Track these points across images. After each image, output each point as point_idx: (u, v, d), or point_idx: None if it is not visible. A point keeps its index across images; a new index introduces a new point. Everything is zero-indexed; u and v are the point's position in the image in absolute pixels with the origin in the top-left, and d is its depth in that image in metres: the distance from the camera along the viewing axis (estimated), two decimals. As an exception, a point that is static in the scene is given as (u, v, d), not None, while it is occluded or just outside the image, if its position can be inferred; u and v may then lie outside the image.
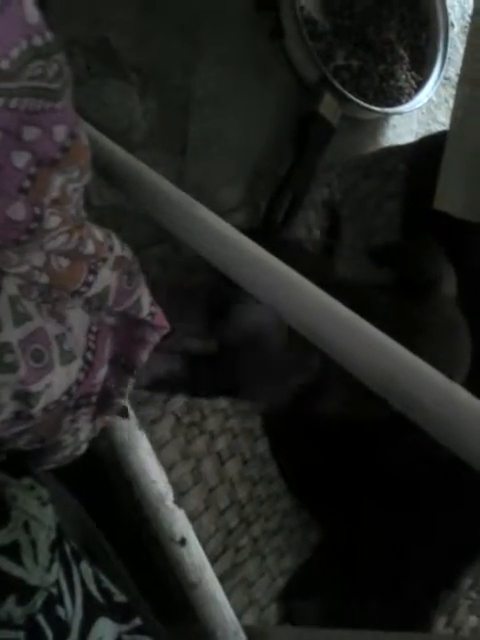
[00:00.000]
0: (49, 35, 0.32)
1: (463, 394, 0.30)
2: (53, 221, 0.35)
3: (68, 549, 0.40)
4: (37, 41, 0.31)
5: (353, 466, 0.96)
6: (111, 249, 0.41)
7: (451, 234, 1.01)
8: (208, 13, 0.97)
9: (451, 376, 0.51)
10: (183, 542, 0.47)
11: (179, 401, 0.90)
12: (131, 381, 0.46)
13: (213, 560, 0.89)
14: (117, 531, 0.53)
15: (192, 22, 0.95)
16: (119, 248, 0.42)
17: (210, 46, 0.97)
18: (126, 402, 0.49)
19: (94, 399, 0.42)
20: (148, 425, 0.85)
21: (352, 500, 0.98)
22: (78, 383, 0.37)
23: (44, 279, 0.37)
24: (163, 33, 0.92)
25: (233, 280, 0.37)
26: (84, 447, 0.46)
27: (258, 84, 1.02)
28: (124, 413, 0.48)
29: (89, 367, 0.39)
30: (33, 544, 0.36)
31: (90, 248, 0.39)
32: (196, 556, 0.49)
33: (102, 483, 0.59)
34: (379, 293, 0.80)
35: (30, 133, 0.32)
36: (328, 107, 1.01)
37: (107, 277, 0.40)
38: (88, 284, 0.40)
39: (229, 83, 0.98)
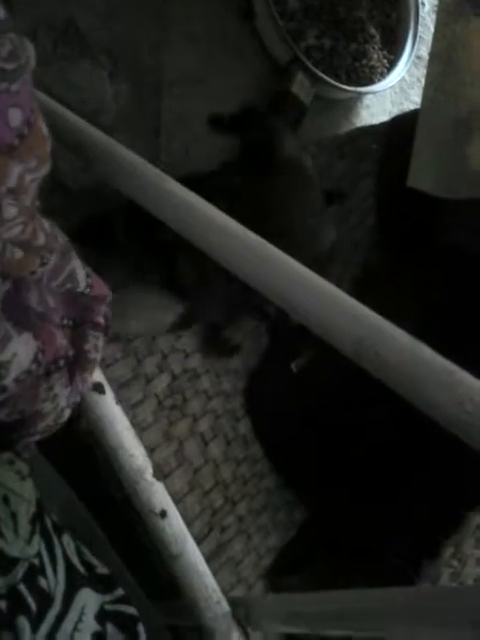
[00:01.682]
0: (2, 12, 0.31)
1: (428, 351, 0.30)
2: (9, 212, 0.35)
3: (49, 523, 0.40)
4: None
5: (334, 442, 0.97)
6: (56, 239, 0.41)
7: (425, 211, 1.02)
8: (177, -8, 0.96)
9: (314, 223, 0.53)
10: (163, 514, 0.48)
11: (161, 384, 0.90)
12: (101, 337, 0.47)
13: (199, 540, 0.89)
14: (104, 507, 0.54)
15: (162, 2, 0.94)
16: (61, 236, 0.42)
17: (181, 27, 0.96)
18: (102, 377, 0.50)
19: (62, 363, 0.42)
20: (130, 408, 0.85)
21: (334, 476, 0.99)
22: (41, 351, 0.38)
23: None
24: (131, 14, 0.91)
25: (202, 249, 0.37)
26: (67, 413, 0.46)
27: (230, 64, 1.02)
28: (100, 388, 0.48)
29: (45, 334, 0.39)
30: (13, 517, 0.36)
31: (41, 240, 0.39)
32: (177, 528, 0.49)
33: (87, 460, 0.59)
34: (230, 175, 0.79)
35: None
36: (300, 87, 1.01)
37: (52, 265, 0.41)
38: (34, 273, 0.40)
39: (201, 63, 0.98)
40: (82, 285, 0.45)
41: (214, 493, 0.94)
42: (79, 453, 0.56)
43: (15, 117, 0.32)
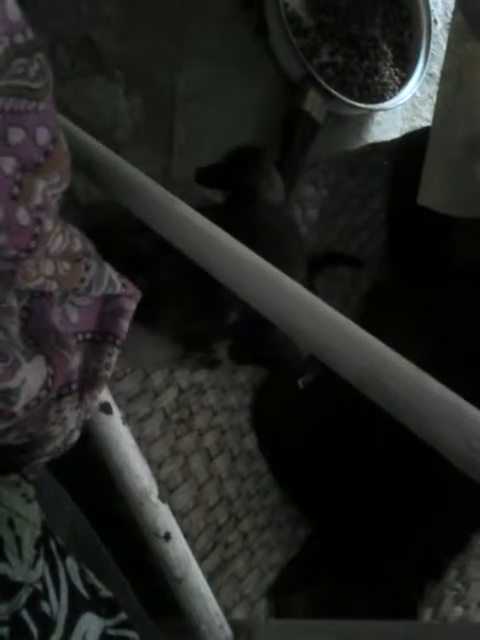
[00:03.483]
0: (30, 33, 0.32)
1: (435, 385, 0.30)
2: (48, 224, 0.35)
3: (53, 545, 0.40)
4: (19, 39, 0.31)
5: (339, 460, 0.97)
6: (88, 242, 0.42)
7: (435, 229, 1.02)
8: (192, 10, 0.97)
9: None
10: (168, 537, 0.48)
11: (168, 398, 0.90)
12: (115, 352, 0.47)
13: (203, 556, 0.89)
14: (110, 525, 0.54)
15: (176, 19, 0.95)
16: (88, 242, 0.43)
17: (195, 43, 0.97)
18: (110, 397, 0.50)
19: (75, 386, 0.42)
20: (137, 422, 0.85)
21: (339, 494, 0.99)
22: (52, 377, 0.38)
23: (54, 287, 0.38)
24: (148, 30, 0.92)
25: (206, 269, 0.38)
26: (76, 435, 0.46)
27: (243, 81, 1.03)
28: (107, 408, 0.48)
29: (58, 359, 0.39)
30: (17, 541, 0.36)
31: (78, 245, 0.40)
32: (181, 551, 0.49)
33: (94, 479, 0.59)
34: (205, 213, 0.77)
35: (15, 135, 0.32)
36: (313, 104, 1.02)
37: (94, 270, 0.42)
38: (83, 280, 0.41)
39: (214, 80, 0.98)
40: (119, 286, 0.46)
41: (218, 509, 0.94)
42: (86, 470, 0.56)
43: (42, 136, 0.33)
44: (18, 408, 0.35)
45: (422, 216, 1.00)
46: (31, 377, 0.35)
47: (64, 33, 0.85)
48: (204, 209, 0.70)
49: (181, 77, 0.95)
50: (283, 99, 1.06)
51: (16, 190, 0.33)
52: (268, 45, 1.06)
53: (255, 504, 0.99)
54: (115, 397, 0.79)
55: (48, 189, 0.35)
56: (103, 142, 0.76)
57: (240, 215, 0.71)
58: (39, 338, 0.40)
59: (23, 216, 0.33)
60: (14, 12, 0.30)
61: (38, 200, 0.34)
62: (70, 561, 0.41)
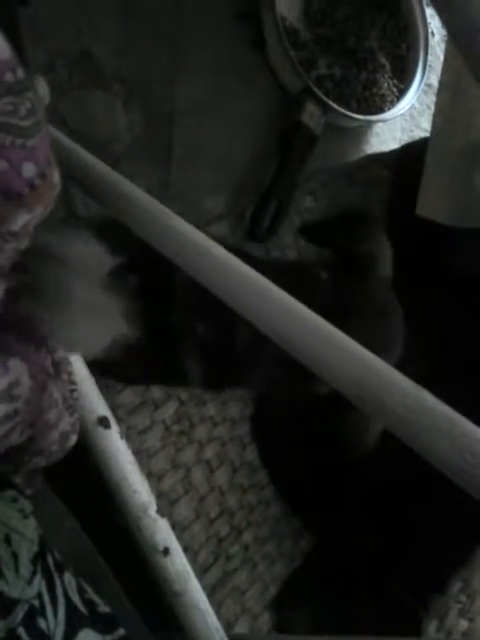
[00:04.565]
0: (21, 72, 0.32)
1: (430, 399, 0.30)
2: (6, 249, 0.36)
3: (51, 560, 0.40)
4: (8, 77, 0.32)
5: (342, 471, 0.96)
6: None
7: (436, 239, 1.02)
8: (190, 23, 0.98)
9: (383, 358, 0.52)
10: (166, 552, 0.47)
11: (168, 410, 0.90)
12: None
13: (204, 569, 0.89)
14: (108, 539, 0.53)
15: (174, 33, 0.96)
16: None
17: (193, 56, 0.98)
18: (108, 411, 0.50)
19: (51, 369, 0.43)
20: (137, 434, 0.85)
21: (342, 505, 0.98)
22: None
23: None
24: (146, 44, 0.93)
25: (208, 289, 0.38)
26: (73, 439, 0.46)
27: (241, 94, 1.03)
28: (105, 422, 0.48)
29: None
30: (14, 557, 0.36)
31: None
32: (179, 565, 0.49)
33: (93, 493, 0.59)
34: (318, 271, 0.76)
35: None
36: (311, 116, 1.02)
37: None
38: None
39: (212, 93, 0.99)
40: None
41: (220, 521, 0.94)
42: (85, 484, 0.56)
43: (28, 170, 0.33)
44: (20, 403, 0.35)
45: (421, 226, 1.00)
46: (5, 379, 0.35)
47: (63, 47, 0.86)
48: (321, 265, 0.68)
49: (179, 90, 0.96)
50: (281, 111, 1.06)
51: None
52: (266, 58, 1.07)
53: (257, 516, 0.99)
54: (115, 409, 0.79)
55: (31, 220, 0.36)
56: (101, 156, 0.76)
57: (351, 285, 0.69)
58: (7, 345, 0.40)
59: None
60: (3, 50, 0.31)
61: (15, 228, 0.35)
62: (68, 576, 0.41)
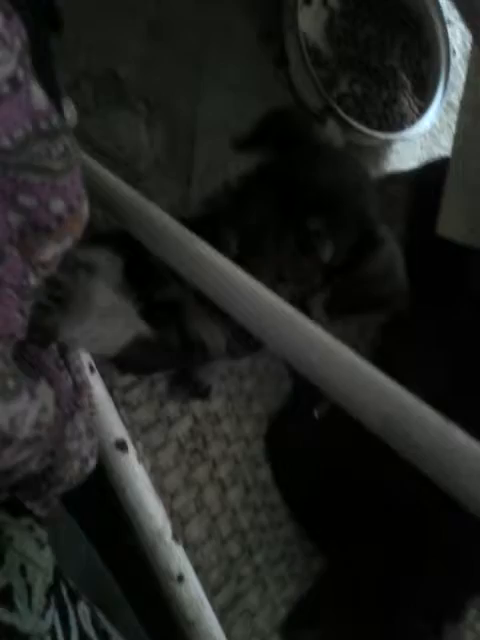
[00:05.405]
0: (56, 119, 0.35)
1: (459, 435, 0.29)
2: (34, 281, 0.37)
3: (65, 590, 0.39)
4: (43, 125, 0.34)
5: (355, 494, 0.95)
6: None
7: (455, 258, 1.01)
8: (213, 43, 0.98)
9: (361, 202, 0.50)
10: (180, 579, 0.46)
11: (183, 427, 0.89)
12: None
13: (215, 591, 0.88)
14: (124, 562, 0.53)
15: (198, 52, 0.97)
16: None
17: (215, 75, 0.98)
18: (125, 433, 0.49)
19: (79, 400, 0.43)
20: (152, 452, 0.84)
21: (355, 528, 0.96)
22: (57, 399, 0.39)
23: None
24: (170, 63, 0.93)
25: (226, 310, 0.37)
26: (92, 464, 0.46)
27: (262, 111, 1.03)
28: (123, 446, 0.47)
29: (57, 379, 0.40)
30: (28, 588, 0.35)
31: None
32: (194, 592, 0.48)
33: (110, 515, 0.58)
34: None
35: (26, 200, 0.34)
36: (331, 134, 1.02)
37: None
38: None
39: (234, 111, 0.99)
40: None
41: (232, 541, 0.93)
42: (102, 506, 0.55)
43: (57, 206, 0.35)
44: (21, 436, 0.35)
45: (440, 245, 0.99)
46: (33, 405, 0.35)
47: (89, 67, 0.86)
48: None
49: (201, 108, 0.96)
50: (302, 129, 1.06)
51: (15, 237, 0.35)
52: (288, 76, 1.07)
53: (269, 537, 0.98)
54: (130, 427, 0.79)
55: (60, 251, 0.38)
56: (124, 173, 0.76)
57: (294, 154, 0.66)
58: (37, 361, 0.40)
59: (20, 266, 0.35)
60: (40, 102, 0.33)
61: (45, 257, 0.37)
62: (82, 606, 0.40)
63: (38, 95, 0.33)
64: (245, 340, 0.56)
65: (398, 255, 0.61)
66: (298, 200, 0.55)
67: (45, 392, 0.38)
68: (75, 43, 0.82)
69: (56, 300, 0.44)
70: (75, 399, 0.43)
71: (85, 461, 0.45)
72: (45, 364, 0.42)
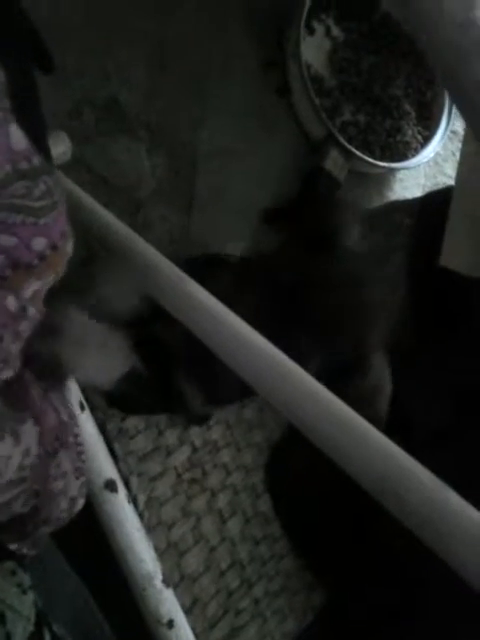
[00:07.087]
0: (37, 159, 0.35)
1: (454, 500, 0.28)
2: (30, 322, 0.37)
3: (48, 638, 0.38)
4: (22, 165, 0.34)
5: (359, 526, 0.93)
6: None
7: (459, 289, 1.00)
8: (216, 70, 0.99)
9: (363, 330, 0.49)
10: (171, 624, 0.45)
11: (181, 456, 0.88)
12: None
13: (213, 624, 0.86)
14: (114, 602, 0.51)
15: (200, 79, 0.98)
16: None
17: (217, 103, 0.99)
18: (116, 474, 0.48)
19: (65, 438, 0.42)
20: (148, 482, 0.83)
21: (357, 561, 0.95)
22: (40, 434, 0.38)
23: None
24: (171, 90, 0.94)
25: (219, 356, 0.37)
26: (80, 503, 0.45)
27: (265, 140, 1.04)
28: (112, 486, 0.47)
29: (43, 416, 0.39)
30: (8, 637, 0.34)
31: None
32: (184, 638, 0.46)
33: (99, 555, 0.57)
34: (281, 253, 0.73)
35: (6, 240, 0.34)
36: (334, 163, 1.02)
37: None
38: None
39: (236, 139, 1.00)
40: None
41: (230, 573, 0.91)
42: (89, 542, 0.54)
43: (38, 244, 0.35)
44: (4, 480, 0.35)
45: (443, 275, 0.98)
46: (17, 449, 0.35)
47: (90, 94, 0.87)
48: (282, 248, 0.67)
49: (203, 135, 0.97)
50: (305, 157, 1.07)
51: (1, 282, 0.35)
52: (290, 104, 1.07)
53: (269, 569, 0.96)
54: (127, 456, 0.78)
55: (43, 287, 0.37)
56: (125, 201, 0.76)
57: (319, 259, 0.68)
58: (25, 395, 0.40)
59: (11, 303, 0.35)
60: (19, 142, 0.33)
61: (27, 295, 0.36)
62: (67, 656, 0.39)
63: (17, 136, 0.33)
64: (228, 390, 0.57)
65: (384, 387, 0.62)
66: (296, 315, 0.56)
67: (29, 432, 0.38)
68: (76, 70, 0.83)
69: (52, 331, 0.44)
70: (59, 436, 0.43)
71: (73, 500, 0.44)
72: (33, 399, 0.42)
